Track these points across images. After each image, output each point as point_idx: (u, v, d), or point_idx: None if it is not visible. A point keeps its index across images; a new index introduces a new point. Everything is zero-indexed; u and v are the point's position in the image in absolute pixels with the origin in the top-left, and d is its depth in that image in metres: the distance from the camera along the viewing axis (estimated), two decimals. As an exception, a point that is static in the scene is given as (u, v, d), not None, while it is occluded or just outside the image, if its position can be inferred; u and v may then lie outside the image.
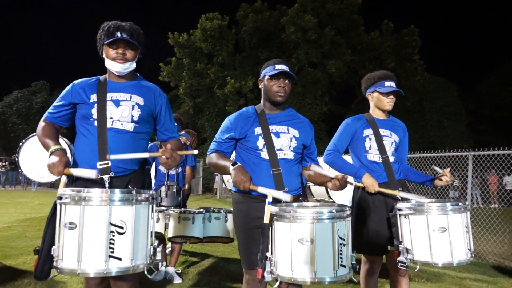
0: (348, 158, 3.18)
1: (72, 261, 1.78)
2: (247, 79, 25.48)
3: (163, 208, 4.11)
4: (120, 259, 1.81)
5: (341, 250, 1.99)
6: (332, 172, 2.41)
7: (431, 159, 8.14)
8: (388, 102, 2.91)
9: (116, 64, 2.28)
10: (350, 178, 2.43)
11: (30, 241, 6.36)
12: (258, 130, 2.45)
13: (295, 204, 2.31)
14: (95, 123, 2.25)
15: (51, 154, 2.15)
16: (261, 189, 2.22)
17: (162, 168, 4.64)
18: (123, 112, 2.28)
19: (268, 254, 2.06)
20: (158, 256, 1.92)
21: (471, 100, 31.47)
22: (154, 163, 4.69)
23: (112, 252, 1.80)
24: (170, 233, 3.94)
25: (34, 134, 5.59)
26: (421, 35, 27.79)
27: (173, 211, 3.98)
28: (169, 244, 4.88)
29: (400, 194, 2.68)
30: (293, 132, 2.50)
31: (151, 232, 1.98)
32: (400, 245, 2.55)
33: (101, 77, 2.40)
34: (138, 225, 1.89)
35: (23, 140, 5.39)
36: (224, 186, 17.79)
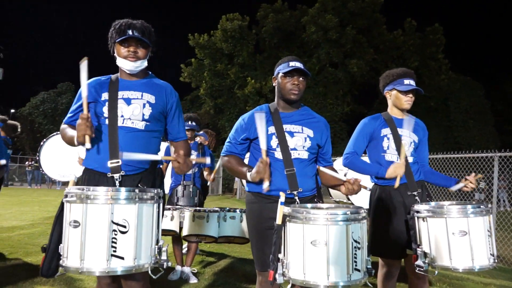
0: (365, 159, 3.10)
1: (76, 260, 1.78)
2: (267, 80, 25.43)
3: (177, 206, 4.11)
4: (122, 258, 1.79)
5: (355, 254, 1.91)
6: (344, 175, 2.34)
7: (456, 160, 7.92)
8: (407, 101, 2.80)
9: (128, 62, 2.27)
10: (364, 182, 2.34)
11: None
12: (271, 129, 2.40)
13: (309, 205, 2.26)
14: (106, 121, 2.25)
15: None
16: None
17: (178, 168, 4.64)
18: (134, 110, 2.26)
19: (280, 255, 2.02)
20: (164, 256, 1.88)
21: (498, 100, 30.64)
22: (170, 162, 4.69)
23: (115, 251, 1.78)
24: (184, 232, 3.94)
25: (54, 133, 5.72)
26: (445, 33, 27.31)
27: (188, 209, 3.98)
28: (185, 244, 4.89)
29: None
30: (307, 132, 2.44)
31: (157, 232, 1.95)
32: (418, 249, 2.45)
33: (113, 76, 2.40)
34: (142, 224, 1.87)
35: (44, 140, 5.51)
36: (242, 186, 17.80)
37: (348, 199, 6.49)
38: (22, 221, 8.31)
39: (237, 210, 4.02)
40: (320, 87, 26.01)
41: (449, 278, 4.86)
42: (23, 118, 34.78)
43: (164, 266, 1.92)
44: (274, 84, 2.54)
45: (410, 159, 2.80)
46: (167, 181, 4.64)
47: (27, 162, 23.82)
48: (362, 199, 5.48)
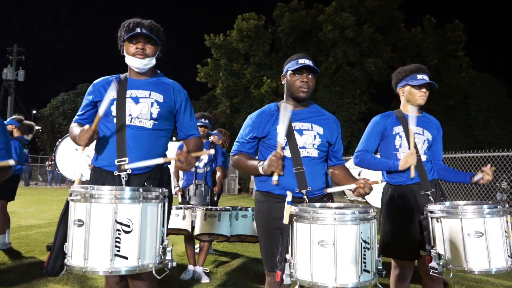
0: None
1: (80, 259, 1.77)
2: (283, 79, 25.35)
3: (189, 205, 4.11)
4: (126, 258, 1.77)
5: (364, 254, 1.85)
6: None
7: (476, 160, 7.72)
8: (421, 96, 2.72)
9: (136, 60, 2.27)
10: (376, 177, 2.28)
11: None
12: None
13: (317, 204, 2.21)
14: (114, 120, 2.25)
15: None
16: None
17: (190, 167, 4.64)
18: (142, 109, 2.26)
19: (288, 256, 1.97)
20: (168, 256, 1.86)
21: (521, 98, 29.81)
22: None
23: (118, 251, 1.76)
24: (196, 231, 3.93)
25: (68, 134, 5.80)
26: (466, 30, 26.71)
27: (200, 208, 3.97)
28: (198, 244, 4.89)
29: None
30: (317, 129, 2.39)
31: (162, 231, 1.93)
32: (432, 250, 2.37)
33: (122, 75, 2.40)
34: (146, 224, 1.85)
35: (60, 140, 5.60)
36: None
37: (363, 198, 6.41)
38: (40, 220, 8.47)
39: (249, 209, 3.99)
40: (337, 86, 25.80)
41: (468, 280, 4.73)
42: (44, 119, 35.65)
43: (169, 266, 1.90)
44: (283, 82, 2.50)
45: (424, 158, 2.72)
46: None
47: (47, 162, 24.31)
48: (378, 199, 5.38)
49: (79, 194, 1.84)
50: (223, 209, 3.96)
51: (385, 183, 2.82)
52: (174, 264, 1.91)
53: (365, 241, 1.86)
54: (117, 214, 1.79)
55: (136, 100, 2.28)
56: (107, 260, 1.75)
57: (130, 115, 2.25)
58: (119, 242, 1.77)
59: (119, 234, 1.78)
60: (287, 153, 2.32)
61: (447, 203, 2.41)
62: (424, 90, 2.72)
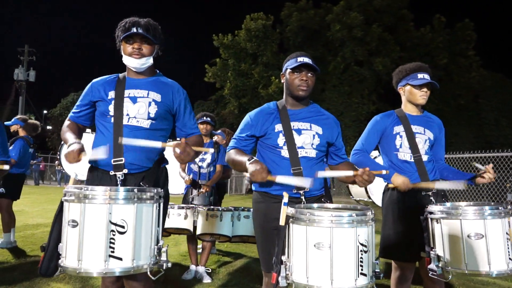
0: (380, 160, 2.99)
1: (74, 260, 1.76)
2: (291, 79, 25.31)
3: (191, 205, 4.11)
4: (120, 259, 1.76)
5: (361, 257, 1.81)
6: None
7: (487, 160, 7.62)
8: (421, 96, 2.68)
9: (133, 60, 2.27)
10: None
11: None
12: (278, 127, 2.34)
13: (315, 205, 2.19)
14: (112, 119, 2.25)
15: (69, 146, 2.14)
16: (279, 178, 2.12)
17: (193, 167, 4.63)
18: (139, 108, 2.25)
19: (284, 258, 1.95)
20: (163, 257, 1.85)
21: (532, 97, 29.42)
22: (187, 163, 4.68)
23: (113, 252, 1.75)
24: (198, 231, 3.92)
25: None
26: (476, 29, 26.41)
27: (202, 208, 3.96)
28: (200, 244, 4.87)
29: (436, 185, 2.46)
30: (316, 129, 2.36)
31: (157, 232, 1.92)
32: (431, 252, 2.32)
33: (121, 75, 2.40)
34: (141, 225, 1.83)
35: (65, 139, 5.62)
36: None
37: (369, 197, 6.35)
38: (47, 219, 8.52)
39: (251, 209, 3.96)
40: (345, 86, 25.69)
41: (474, 282, 4.66)
42: (54, 119, 35.97)
43: (164, 267, 1.89)
44: (282, 81, 2.47)
45: (425, 158, 2.67)
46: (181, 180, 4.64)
47: (56, 162, 24.62)
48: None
49: (73, 194, 1.83)
50: (225, 209, 3.95)
51: (386, 183, 2.78)
52: (169, 264, 1.90)
53: (362, 244, 1.83)
54: (111, 214, 1.78)
55: (134, 99, 2.27)
56: (101, 261, 1.74)
57: (127, 114, 2.24)
58: (113, 243, 1.76)
59: (114, 235, 1.77)
60: (285, 153, 2.30)
61: (448, 204, 2.36)
62: (425, 89, 2.68)
